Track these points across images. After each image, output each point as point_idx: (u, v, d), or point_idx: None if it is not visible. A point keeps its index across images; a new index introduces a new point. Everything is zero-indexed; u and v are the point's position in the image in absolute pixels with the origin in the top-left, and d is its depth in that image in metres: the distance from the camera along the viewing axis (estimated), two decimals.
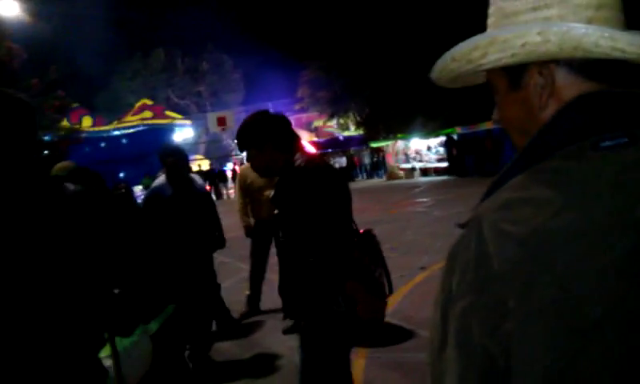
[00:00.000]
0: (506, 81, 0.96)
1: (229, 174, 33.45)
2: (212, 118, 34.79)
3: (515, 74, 0.93)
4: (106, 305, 1.98)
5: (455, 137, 26.51)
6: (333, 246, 2.58)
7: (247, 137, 2.91)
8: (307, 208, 2.59)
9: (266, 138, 2.84)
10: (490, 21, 1.00)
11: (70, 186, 1.84)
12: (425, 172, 28.77)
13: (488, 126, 23.31)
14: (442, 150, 28.26)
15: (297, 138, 2.93)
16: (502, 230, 0.78)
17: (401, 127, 29.65)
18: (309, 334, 2.76)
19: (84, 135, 22.17)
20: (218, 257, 6.34)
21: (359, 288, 2.57)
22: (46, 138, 14.61)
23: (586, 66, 0.88)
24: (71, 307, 1.74)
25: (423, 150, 29.93)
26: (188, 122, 31.88)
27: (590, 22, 0.88)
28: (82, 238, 1.77)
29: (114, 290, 2.08)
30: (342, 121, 39.50)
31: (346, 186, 2.91)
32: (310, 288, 2.66)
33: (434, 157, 29.24)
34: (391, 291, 2.81)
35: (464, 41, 0.94)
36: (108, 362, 2.14)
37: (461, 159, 25.66)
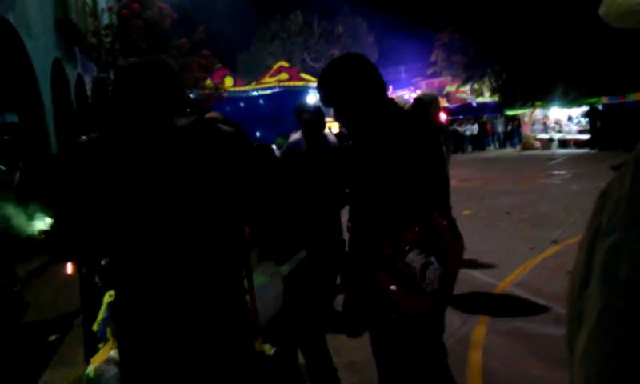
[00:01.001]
0: None
1: None
2: None
3: None
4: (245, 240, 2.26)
5: (600, 107, 24.75)
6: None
7: (336, 89, 2.62)
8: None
9: (360, 85, 2.57)
10: None
11: (225, 127, 2.17)
12: (563, 143, 27.25)
13: (638, 97, 21.54)
14: (584, 120, 26.58)
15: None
16: None
17: (540, 95, 28.15)
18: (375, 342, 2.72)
19: (225, 94, 23.34)
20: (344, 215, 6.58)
21: (388, 279, 2.39)
22: (192, 95, 15.61)
23: None
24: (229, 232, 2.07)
25: (563, 120, 28.30)
26: None
27: None
28: (236, 170, 2.08)
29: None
30: (476, 86, 38.14)
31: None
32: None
33: (574, 128, 27.59)
34: (444, 289, 2.43)
35: None
36: None
37: (605, 131, 23.98)
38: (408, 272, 2.38)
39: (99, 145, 1.92)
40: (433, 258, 2.37)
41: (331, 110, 2.72)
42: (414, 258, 2.37)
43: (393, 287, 2.40)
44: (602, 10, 0.99)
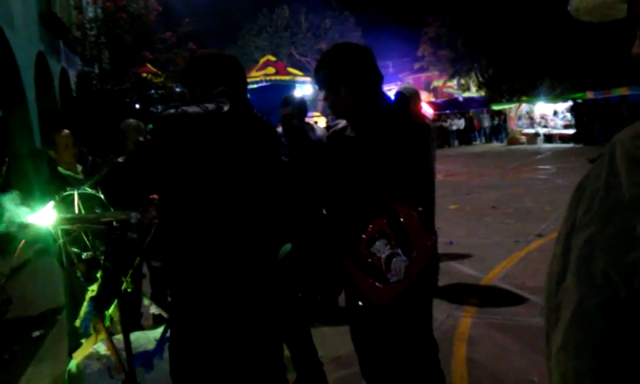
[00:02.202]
0: None
1: None
2: None
3: None
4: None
5: (582, 101, 24.96)
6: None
7: (340, 70, 2.62)
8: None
9: (360, 73, 2.60)
10: None
11: None
12: (549, 138, 27.43)
13: (623, 91, 21.75)
14: (569, 115, 26.74)
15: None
16: (635, 157, 0.78)
17: (526, 90, 28.36)
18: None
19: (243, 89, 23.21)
20: None
21: (354, 267, 2.47)
22: (177, 88, 15.49)
23: None
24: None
25: (549, 114, 28.47)
26: (308, 79, 32.33)
27: None
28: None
29: None
30: (462, 81, 38.33)
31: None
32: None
33: (560, 122, 27.75)
34: (408, 277, 2.41)
35: None
36: None
37: (590, 126, 24.16)
38: (373, 261, 2.40)
39: (190, 119, 2.08)
40: (399, 250, 2.38)
41: (319, 105, 2.75)
42: (381, 247, 2.39)
43: (358, 275, 2.44)
44: (572, 4, 0.99)
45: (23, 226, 2.71)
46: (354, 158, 2.59)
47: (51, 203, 2.81)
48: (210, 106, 2.11)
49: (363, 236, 2.43)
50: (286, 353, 3.58)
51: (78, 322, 2.80)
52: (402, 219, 2.41)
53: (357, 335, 2.79)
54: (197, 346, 2.12)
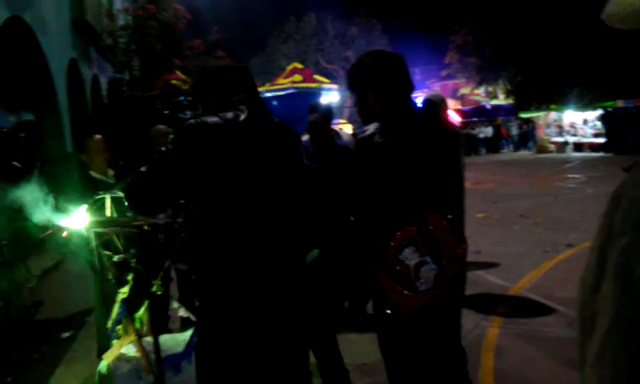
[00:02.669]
0: None
1: None
2: None
3: None
4: None
5: (612, 109, 24.55)
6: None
7: (369, 76, 2.63)
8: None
9: (388, 80, 2.60)
10: None
11: None
12: (578, 147, 27.03)
13: None
14: (599, 124, 26.32)
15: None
16: None
17: (555, 98, 27.97)
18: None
19: (259, 96, 23.39)
20: None
21: (383, 274, 2.46)
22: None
23: None
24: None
25: (578, 123, 28.06)
26: (335, 86, 32.38)
27: None
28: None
29: None
30: (490, 89, 38.02)
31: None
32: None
33: (589, 131, 27.33)
34: (437, 286, 2.39)
35: None
36: None
37: (620, 135, 23.73)
38: (402, 269, 2.39)
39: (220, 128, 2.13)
40: (428, 258, 2.37)
41: (345, 112, 2.76)
42: (409, 255, 2.38)
43: (387, 282, 2.43)
44: (606, 11, 0.97)
45: (57, 229, 2.77)
46: (382, 164, 2.59)
47: (84, 207, 2.86)
48: (229, 115, 2.16)
49: (392, 243, 2.41)
50: (312, 359, 3.59)
51: (109, 324, 2.84)
52: (431, 227, 2.39)
53: (384, 343, 2.77)
54: (224, 352, 2.14)
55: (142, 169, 2.13)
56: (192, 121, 2.13)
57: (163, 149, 2.11)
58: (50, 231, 2.95)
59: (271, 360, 2.21)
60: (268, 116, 2.33)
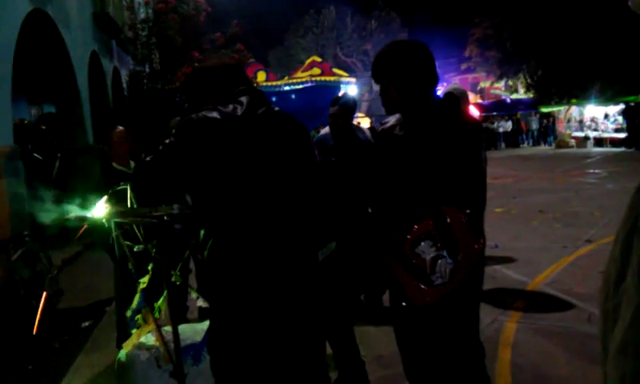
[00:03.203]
0: None
1: None
2: None
3: None
4: None
5: (634, 104, 24.18)
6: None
7: (390, 67, 2.60)
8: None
9: (409, 71, 2.56)
10: None
11: None
12: (599, 142, 26.71)
13: None
14: (620, 118, 25.96)
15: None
16: None
17: (576, 92, 27.63)
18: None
19: (258, 89, 23.45)
20: None
21: (399, 267, 2.46)
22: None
23: None
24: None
25: (600, 117, 27.70)
26: (353, 79, 32.32)
27: None
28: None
29: None
30: (510, 83, 37.65)
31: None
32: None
33: (611, 126, 27.00)
34: (453, 280, 2.37)
35: None
36: None
37: None
38: (418, 262, 2.39)
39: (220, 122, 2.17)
40: (444, 252, 2.36)
41: (363, 106, 2.74)
42: (426, 248, 2.37)
43: (403, 275, 2.43)
44: None
45: (79, 219, 2.81)
46: (401, 157, 2.58)
47: (105, 197, 2.90)
48: (229, 108, 2.20)
49: (408, 236, 2.41)
50: (328, 351, 3.61)
51: (129, 313, 2.88)
52: (448, 221, 2.38)
53: (401, 336, 2.78)
54: (238, 344, 2.16)
55: (147, 159, 2.17)
56: (193, 115, 2.17)
57: (166, 141, 2.16)
58: (67, 218, 3.00)
59: (285, 351, 2.22)
60: (269, 107, 2.33)
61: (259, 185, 2.16)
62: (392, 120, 2.74)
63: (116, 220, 2.71)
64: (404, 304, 2.57)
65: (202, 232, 2.25)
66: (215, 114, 2.16)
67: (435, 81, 2.62)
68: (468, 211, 2.44)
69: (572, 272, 6.21)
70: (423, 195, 2.46)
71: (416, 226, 2.40)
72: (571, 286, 5.61)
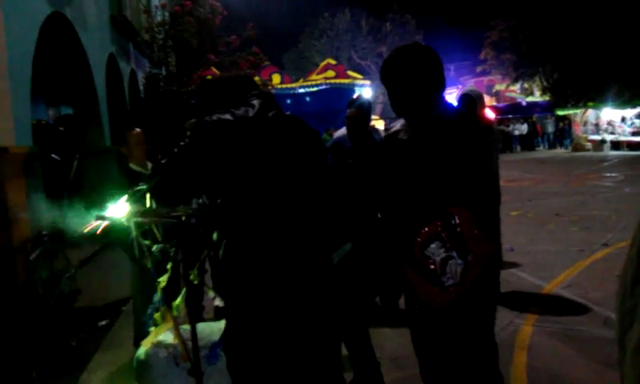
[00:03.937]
0: None
1: None
2: None
3: None
4: None
5: None
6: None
7: (394, 72, 2.60)
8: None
9: (412, 76, 2.54)
10: None
11: None
12: (616, 145, 26.46)
13: None
14: (637, 121, 25.71)
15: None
16: None
17: (592, 95, 27.39)
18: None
19: (273, 91, 23.53)
20: None
21: (409, 270, 2.46)
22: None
23: None
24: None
25: (616, 121, 27.44)
26: (367, 82, 32.27)
27: None
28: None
29: None
30: (526, 85, 37.39)
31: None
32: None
33: (628, 129, 26.72)
34: (464, 282, 2.37)
35: None
36: None
37: None
38: (428, 264, 2.38)
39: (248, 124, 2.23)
40: (454, 253, 2.35)
41: (377, 108, 2.75)
42: (435, 250, 2.37)
43: (414, 277, 2.43)
44: None
45: (99, 219, 2.85)
46: (406, 161, 2.59)
47: (124, 198, 2.94)
48: (240, 111, 2.24)
49: (418, 239, 2.41)
50: (344, 352, 3.62)
51: (148, 311, 2.92)
52: (457, 222, 2.37)
53: (417, 337, 2.79)
54: (253, 344, 2.19)
55: (162, 161, 2.22)
56: (207, 118, 2.21)
57: (181, 143, 2.20)
58: (90, 225, 3.04)
59: (301, 352, 2.24)
60: (279, 110, 2.38)
61: (272, 185, 2.19)
62: (397, 125, 2.76)
63: (136, 220, 2.75)
64: (416, 306, 2.58)
65: (217, 232, 2.28)
66: (228, 116, 2.20)
67: (441, 85, 2.60)
68: (476, 211, 2.44)
69: (588, 276, 6.17)
70: (429, 198, 2.45)
71: (425, 228, 2.40)
72: (587, 290, 5.58)
